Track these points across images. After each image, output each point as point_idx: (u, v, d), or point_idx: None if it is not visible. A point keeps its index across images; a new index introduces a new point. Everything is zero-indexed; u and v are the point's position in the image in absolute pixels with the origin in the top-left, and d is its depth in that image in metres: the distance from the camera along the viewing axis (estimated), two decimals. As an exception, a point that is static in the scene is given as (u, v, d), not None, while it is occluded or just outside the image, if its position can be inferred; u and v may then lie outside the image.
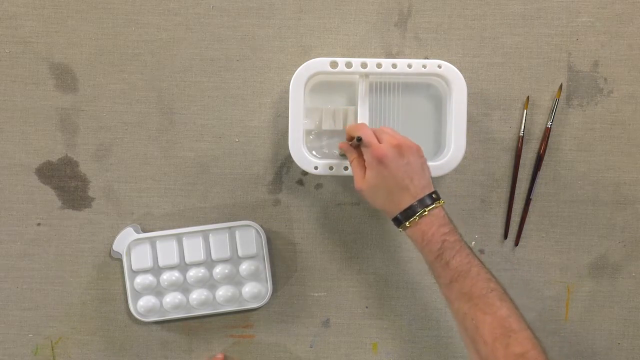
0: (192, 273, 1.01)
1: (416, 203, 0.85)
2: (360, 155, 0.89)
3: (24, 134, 1.02)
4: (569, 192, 1.03)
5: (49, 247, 1.03)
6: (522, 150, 1.02)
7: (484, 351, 0.80)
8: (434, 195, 0.86)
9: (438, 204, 0.86)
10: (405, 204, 0.85)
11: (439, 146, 0.99)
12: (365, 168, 0.87)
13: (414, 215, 0.85)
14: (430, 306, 1.03)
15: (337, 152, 0.99)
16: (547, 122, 1.02)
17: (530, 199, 1.02)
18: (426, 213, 0.85)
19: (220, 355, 1.01)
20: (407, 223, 0.85)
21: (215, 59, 1.02)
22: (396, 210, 0.86)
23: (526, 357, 0.78)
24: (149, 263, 1.01)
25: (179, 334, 1.03)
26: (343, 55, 1.00)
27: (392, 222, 0.88)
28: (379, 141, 0.87)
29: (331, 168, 0.96)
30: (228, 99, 1.02)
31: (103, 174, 1.03)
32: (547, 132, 1.02)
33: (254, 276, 1.01)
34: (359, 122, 0.96)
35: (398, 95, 0.99)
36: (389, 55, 1.02)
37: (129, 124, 1.02)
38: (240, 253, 1.01)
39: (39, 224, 1.03)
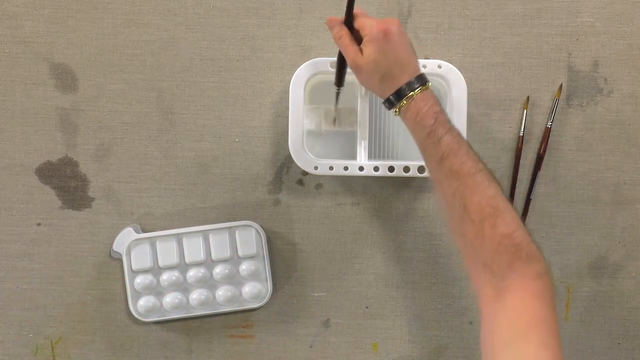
0: (192, 273, 1.01)
1: (414, 80, 0.83)
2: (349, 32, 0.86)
3: (24, 134, 1.02)
4: (569, 192, 1.03)
5: (49, 247, 1.03)
6: (522, 150, 1.02)
7: (470, 232, 0.78)
8: (424, 76, 0.85)
9: (429, 84, 0.84)
10: (403, 81, 0.83)
11: (439, 146, 0.99)
12: (358, 44, 0.85)
13: (413, 91, 0.83)
14: (430, 306, 1.03)
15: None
16: (547, 122, 1.02)
17: (530, 199, 1.02)
18: (424, 88, 0.83)
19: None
20: (404, 100, 0.83)
21: (215, 59, 1.02)
22: (393, 88, 0.84)
23: (512, 237, 0.75)
24: (149, 263, 1.00)
25: (179, 334, 1.03)
26: (343, 55, 1.00)
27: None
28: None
29: (331, 168, 0.96)
30: (228, 99, 1.02)
31: (103, 174, 1.02)
32: (547, 132, 1.02)
33: (254, 276, 1.01)
34: (359, 121, 0.96)
35: (398, 95, 0.99)
36: (389, 55, 1.02)
37: (129, 124, 1.02)
38: (240, 253, 1.01)
39: (39, 224, 1.03)
